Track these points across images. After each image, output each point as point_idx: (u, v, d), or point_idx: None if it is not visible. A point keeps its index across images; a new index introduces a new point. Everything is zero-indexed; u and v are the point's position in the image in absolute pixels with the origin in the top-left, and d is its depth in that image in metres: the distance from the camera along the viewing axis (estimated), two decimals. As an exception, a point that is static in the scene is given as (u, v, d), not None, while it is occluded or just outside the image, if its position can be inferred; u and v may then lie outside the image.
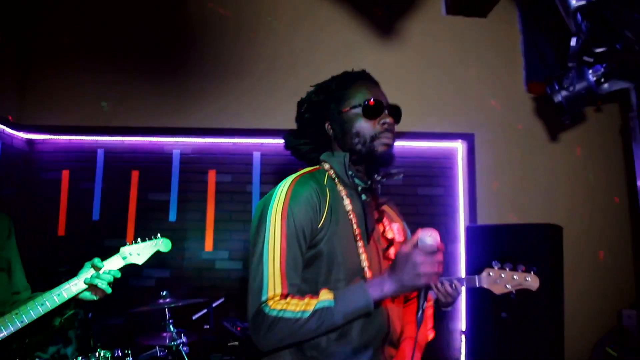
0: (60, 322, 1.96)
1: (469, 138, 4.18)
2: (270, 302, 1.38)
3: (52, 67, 4.14)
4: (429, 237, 1.37)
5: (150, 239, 2.15)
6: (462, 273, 3.97)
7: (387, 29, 4.21)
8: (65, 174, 4.11)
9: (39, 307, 1.81)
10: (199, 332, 3.46)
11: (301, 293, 1.43)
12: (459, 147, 4.28)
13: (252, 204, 4.11)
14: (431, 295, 1.95)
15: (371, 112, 1.59)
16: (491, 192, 4.12)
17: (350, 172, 1.62)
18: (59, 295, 1.84)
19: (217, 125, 4.10)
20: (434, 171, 4.24)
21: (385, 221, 1.68)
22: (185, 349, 3.12)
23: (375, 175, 1.63)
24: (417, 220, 4.01)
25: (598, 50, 1.68)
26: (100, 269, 1.88)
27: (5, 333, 1.77)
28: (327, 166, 1.66)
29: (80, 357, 2.62)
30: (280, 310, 1.36)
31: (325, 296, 1.39)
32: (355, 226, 1.54)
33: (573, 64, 1.81)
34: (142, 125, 4.09)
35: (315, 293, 1.41)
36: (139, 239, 2.10)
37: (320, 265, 1.48)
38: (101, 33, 4.16)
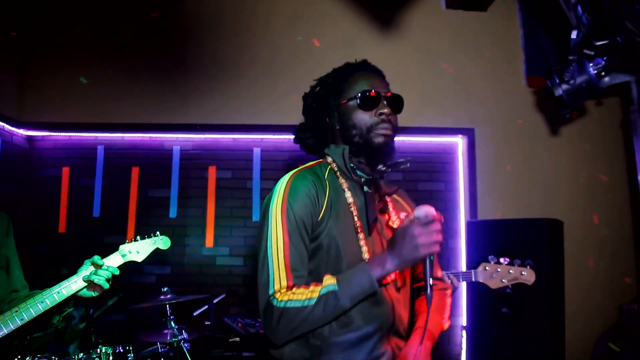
0: (59, 320, 1.96)
1: (469, 133, 4.17)
2: (277, 295, 1.40)
3: (51, 64, 4.13)
4: (423, 209, 1.38)
5: (149, 236, 2.15)
6: (463, 268, 3.97)
7: (386, 23, 4.20)
8: (66, 170, 4.11)
9: (38, 305, 1.81)
10: (200, 329, 3.46)
11: (307, 285, 1.44)
12: (459, 142, 4.27)
13: (253, 200, 4.10)
14: (449, 284, 1.94)
15: (367, 103, 1.58)
16: (492, 187, 4.11)
17: (351, 165, 1.61)
18: (58, 293, 1.84)
19: (217, 121, 4.09)
20: (434, 166, 4.23)
21: (392, 211, 1.67)
22: (186, 345, 3.12)
23: (380, 166, 1.62)
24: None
25: (599, 43, 1.67)
26: (100, 266, 1.89)
27: (5, 331, 1.77)
28: (329, 159, 1.66)
29: (82, 354, 2.62)
30: (288, 300, 1.39)
31: (329, 281, 1.41)
32: (356, 218, 1.54)
33: (574, 57, 1.81)
34: (142, 121, 4.09)
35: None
36: (138, 237, 2.11)
37: (321, 257, 1.49)
38: (100, 30, 4.15)
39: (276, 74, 4.12)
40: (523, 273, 2.08)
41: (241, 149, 4.18)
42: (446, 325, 1.73)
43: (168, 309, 3.19)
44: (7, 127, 3.92)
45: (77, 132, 4.15)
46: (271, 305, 1.40)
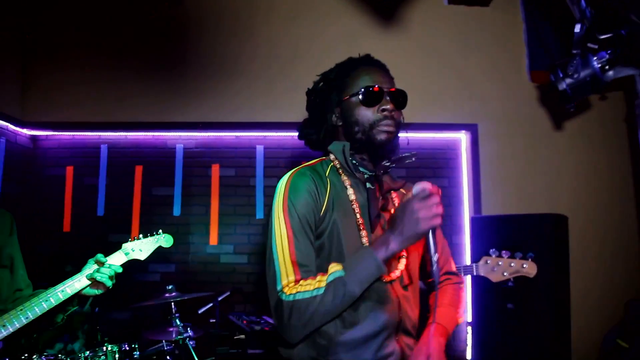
0: (62, 319, 1.97)
1: (472, 128, 4.16)
2: (285, 289, 1.40)
3: (54, 64, 4.14)
4: (420, 185, 1.38)
5: (152, 234, 2.16)
6: (467, 263, 3.95)
7: (388, 19, 4.18)
8: (70, 170, 4.12)
9: (43, 303, 1.82)
10: (205, 326, 3.47)
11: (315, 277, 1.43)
12: (462, 138, 4.26)
13: (256, 197, 4.10)
14: (462, 277, 1.93)
15: (370, 99, 1.55)
16: (495, 182, 4.10)
17: (354, 162, 1.60)
18: (62, 291, 1.85)
19: (220, 119, 4.09)
20: (438, 162, 4.22)
21: (397, 206, 1.65)
22: (191, 343, 3.13)
23: (384, 162, 1.59)
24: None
25: (603, 36, 1.65)
26: (103, 264, 1.89)
27: (10, 329, 1.78)
28: (332, 157, 1.64)
29: (88, 352, 2.63)
30: (296, 293, 1.38)
31: (335, 268, 1.40)
32: (358, 216, 1.53)
33: (577, 51, 1.79)
34: (145, 120, 4.09)
35: None
36: (140, 235, 2.12)
37: (325, 255, 1.48)
38: (102, 29, 4.15)
39: (277, 71, 4.11)
40: (524, 266, 2.08)
41: (244, 146, 4.18)
42: (460, 320, 1.71)
43: (173, 306, 3.19)
44: (11, 127, 3.93)
45: (81, 132, 4.16)
46: (280, 301, 1.39)
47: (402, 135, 1.64)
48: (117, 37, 4.16)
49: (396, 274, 1.53)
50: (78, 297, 1.91)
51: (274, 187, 1.56)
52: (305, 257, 1.45)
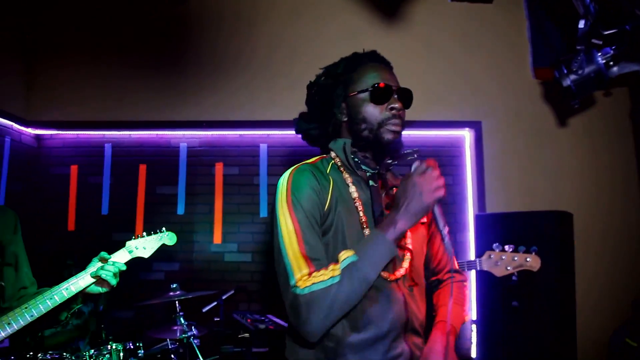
0: (66, 317, 1.97)
1: (476, 126, 4.14)
2: (299, 283, 1.34)
3: (57, 63, 4.14)
4: (417, 161, 1.39)
5: (155, 232, 2.16)
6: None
7: (390, 16, 4.17)
8: (74, 169, 4.13)
9: (47, 301, 1.82)
10: (210, 325, 3.47)
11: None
12: (466, 136, 4.25)
13: (260, 196, 4.11)
14: (466, 275, 1.93)
15: (379, 97, 1.52)
16: (499, 180, 4.08)
17: (356, 159, 1.57)
18: (67, 289, 1.85)
19: (224, 117, 4.09)
20: (442, 160, 4.21)
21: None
22: (196, 341, 3.14)
23: (387, 160, 1.58)
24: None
25: (607, 32, 1.65)
26: (107, 261, 1.90)
27: (15, 327, 1.79)
28: (333, 154, 1.61)
29: (93, 350, 2.64)
30: (311, 285, 1.33)
31: (346, 254, 1.37)
32: (361, 214, 1.50)
33: (582, 47, 1.78)
34: (148, 119, 4.09)
35: None
36: (144, 233, 2.12)
37: (329, 253, 1.46)
38: (106, 28, 4.15)
39: (280, 69, 4.10)
40: (528, 259, 2.07)
41: (248, 145, 4.18)
42: (467, 318, 1.70)
43: (177, 305, 3.20)
44: (16, 126, 3.95)
45: (85, 131, 4.17)
46: (296, 296, 1.33)
47: (404, 133, 1.62)
48: (120, 36, 4.16)
49: (401, 272, 1.50)
50: (83, 295, 1.91)
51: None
52: (315, 251, 1.41)
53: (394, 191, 1.64)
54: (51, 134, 4.19)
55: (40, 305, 1.81)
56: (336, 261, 1.39)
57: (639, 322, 3.75)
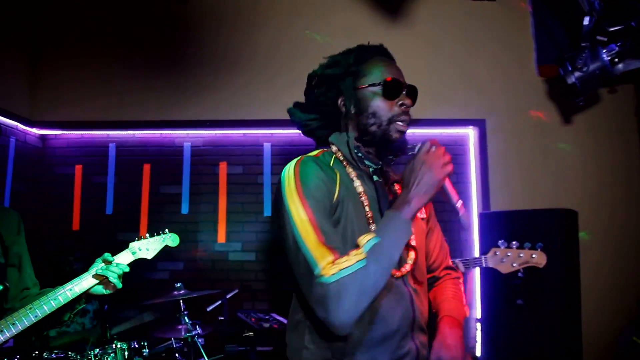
0: (69, 317, 1.98)
1: (480, 124, 4.13)
2: (324, 271, 1.26)
3: (61, 64, 4.16)
4: (419, 143, 1.39)
5: (158, 234, 2.17)
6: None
7: (393, 14, 4.16)
8: (78, 168, 4.14)
9: (51, 302, 1.83)
10: (214, 324, 3.48)
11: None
12: (470, 134, 4.23)
13: (264, 195, 4.11)
14: (460, 272, 1.92)
15: (391, 92, 1.49)
16: (504, 178, 4.07)
17: (360, 154, 1.54)
18: (70, 290, 1.86)
19: (227, 117, 4.09)
20: (446, 158, 4.18)
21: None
22: (200, 340, 3.14)
23: (388, 156, 1.55)
24: (429, 207, 3.97)
25: (612, 28, 1.63)
26: (111, 262, 1.90)
27: (20, 327, 1.79)
28: (334, 148, 1.58)
29: (98, 349, 2.65)
30: (338, 272, 1.25)
31: (367, 237, 1.31)
32: (367, 209, 1.47)
33: (586, 44, 1.77)
34: (152, 118, 4.10)
35: None
36: (147, 234, 2.13)
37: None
38: (109, 29, 4.16)
39: (282, 68, 4.10)
40: (534, 256, 2.06)
41: (251, 144, 4.18)
42: (467, 312, 1.68)
43: (182, 304, 3.20)
44: (21, 126, 3.96)
45: (89, 131, 4.18)
46: (324, 285, 1.24)
47: (408, 131, 1.60)
48: (124, 37, 4.17)
49: (406, 268, 1.48)
50: (86, 296, 1.92)
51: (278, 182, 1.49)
52: (332, 239, 1.33)
53: (395, 187, 1.63)
54: (55, 134, 4.20)
55: (44, 306, 1.82)
56: (355, 247, 1.33)
57: (643, 321, 3.73)
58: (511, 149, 4.11)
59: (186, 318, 3.18)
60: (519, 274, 2.12)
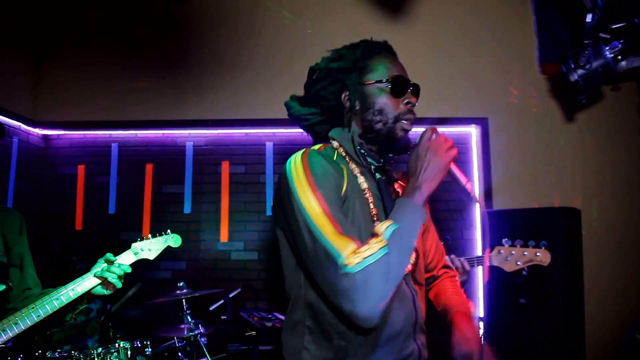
0: (71, 317, 1.99)
1: (482, 122, 4.12)
2: (348, 261, 1.21)
3: (64, 64, 4.17)
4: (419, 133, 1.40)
5: (161, 234, 2.18)
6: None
7: (394, 12, 4.15)
8: (81, 168, 4.15)
9: (54, 301, 1.84)
10: (217, 323, 3.48)
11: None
12: (472, 132, 4.22)
13: (266, 194, 4.11)
14: (455, 270, 1.92)
15: (399, 90, 1.48)
16: (507, 176, 4.06)
17: (362, 151, 1.52)
18: (73, 290, 1.87)
19: (229, 116, 4.09)
20: (448, 157, 4.17)
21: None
22: (203, 339, 3.14)
23: (389, 154, 1.55)
24: (432, 207, 3.95)
25: (615, 25, 1.62)
26: (113, 262, 1.91)
27: (22, 327, 1.80)
28: (335, 144, 1.55)
29: (100, 349, 2.65)
30: (363, 260, 1.21)
31: (385, 224, 1.29)
32: (372, 205, 1.45)
33: (589, 41, 1.76)
34: (154, 118, 4.10)
35: None
36: (149, 235, 2.13)
37: None
38: (112, 29, 4.17)
39: (283, 67, 4.09)
40: (538, 254, 2.06)
41: (254, 143, 4.18)
42: (472, 307, 1.68)
43: (184, 303, 3.21)
44: (23, 126, 3.97)
45: (92, 130, 4.19)
46: (349, 276, 1.20)
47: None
48: (125, 37, 4.18)
49: (408, 267, 1.46)
50: (88, 296, 1.92)
51: (282, 175, 1.45)
52: (348, 229, 1.29)
53: (395, 185, 1.62)
54: (58, 134, 4.21)
55: (46, 306, 1.82)
56: (373, 236, 1.30)
57: (648, 319, 3.72)
58: (514, 147, 4.10)
59: (189, 317, 3.18)
60: (523, 272, 2.11)
